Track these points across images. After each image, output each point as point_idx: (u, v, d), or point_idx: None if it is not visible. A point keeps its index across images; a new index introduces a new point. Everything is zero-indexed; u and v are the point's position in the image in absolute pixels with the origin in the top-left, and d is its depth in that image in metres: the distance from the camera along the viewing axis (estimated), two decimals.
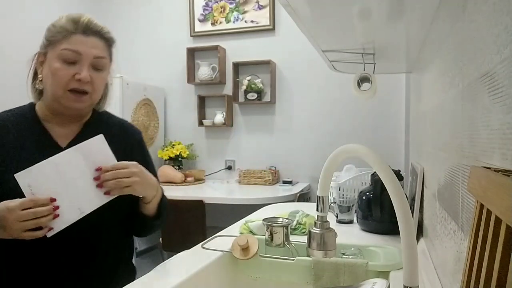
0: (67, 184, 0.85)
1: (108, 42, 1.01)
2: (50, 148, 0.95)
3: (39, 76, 0.98)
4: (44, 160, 0.83)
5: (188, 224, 2.31)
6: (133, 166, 0.91)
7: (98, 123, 1.06)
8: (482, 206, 0.40)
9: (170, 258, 1.03)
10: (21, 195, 0.83)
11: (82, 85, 0.94)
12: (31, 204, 0.81)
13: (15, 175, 0.81)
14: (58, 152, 0.89)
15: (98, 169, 0.88)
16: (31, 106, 1.02)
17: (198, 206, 2.31)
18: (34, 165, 0.82)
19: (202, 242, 1.15)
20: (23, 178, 0.82)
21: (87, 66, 0.94)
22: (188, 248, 1.11)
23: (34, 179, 0.83)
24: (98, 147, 0.89)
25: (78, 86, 0.94)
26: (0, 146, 0.94)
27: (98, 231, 0.98)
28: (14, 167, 0.86)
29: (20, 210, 0.79)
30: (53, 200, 0.84)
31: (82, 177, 0.87)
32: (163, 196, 1.05)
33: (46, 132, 0.99)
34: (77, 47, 0.93)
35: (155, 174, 1.05)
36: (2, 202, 0.82)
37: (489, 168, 0.42)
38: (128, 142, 1.09)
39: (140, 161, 0.96)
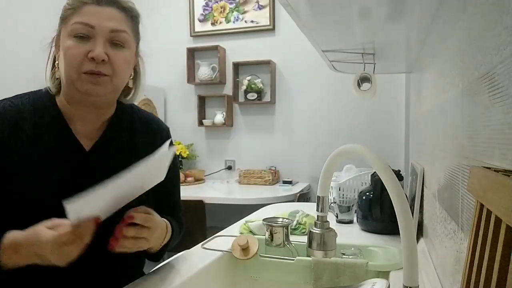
0: (114, 202, 0.72)
1: (129, 13, 0.86)
2: (76, 153, 0.84)
3: (57, 62, 0.85)
4: (106, 187, 0.64)
5: (188, 224, 2.30)
6: (145, 231, 0.77)
7: (122, 118, 0.93)
8: (482, 206, 0.40)
9: (170, 258, 1.03)
10: (39, 206, 0.71)
11: (98, 66, 0.78)
12: (73, 236, 0.66)
13: (65, 204, 0.61)
14: (83, 158, 0.82)
15: (130, 216, 0.74)
16: (49, 95, 0.87)
17: (198, 206, 2.31)
18: (90, 193, 0.63)
19: (202, 242, 1.15)
20: (74, 208, 0.64)
21: (103, 42, 0.79)
22: (188, 248, 1.11)
23: (86, 207, 0.67)
24: (161, 162, 0.75)
25: (93, 67, 0.78)
26: (17, 147, 0.79)
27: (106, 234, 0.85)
28: (35, 179, 0.76)
29: (60, 248, 0.65)
30: (98, 220, 0.69)
31: (130, 196, 0.74)
32: (169, 241, 0.93)
33: (69, 132, 0.85)
34: (89, 19, 0.78)
35: (173, 186, 0.95)
36: (28, 233, 0.68)
37: (489, 168, 0.42)
38: (152, 142, 0.93)
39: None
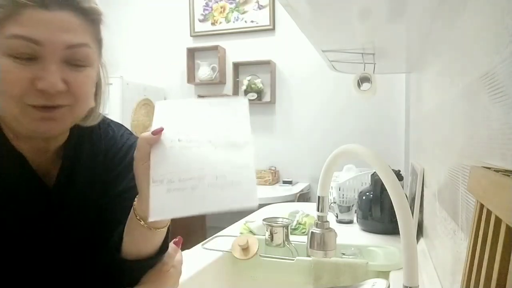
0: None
1: (90, 16, 0.60)
2: (42, 195, 0.66)
3: None
4: None
5: (188, 224, 2.30)
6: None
7: (81, 142, 0.71)
8: (482, 206, 0.40)
9: None
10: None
11: (50, 98, 0.56)
12: None
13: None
14: (52, 198, 0.66)
15: None
16: None
17: None
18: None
19: (202, 242, 1.15)
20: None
21: (56, 64, 0.56)
22: (188, 248, 1.11)
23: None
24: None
25: (44, 101, 0.56)
26: None
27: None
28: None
29: None
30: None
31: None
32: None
33: (29, 168, 0.64)
34: (33, 31, 0.53)
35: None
36: None
37: (489, 168, 0.42)
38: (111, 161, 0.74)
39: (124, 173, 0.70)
